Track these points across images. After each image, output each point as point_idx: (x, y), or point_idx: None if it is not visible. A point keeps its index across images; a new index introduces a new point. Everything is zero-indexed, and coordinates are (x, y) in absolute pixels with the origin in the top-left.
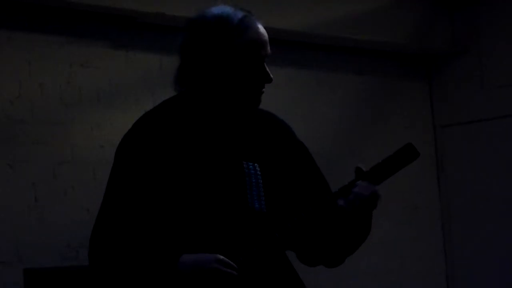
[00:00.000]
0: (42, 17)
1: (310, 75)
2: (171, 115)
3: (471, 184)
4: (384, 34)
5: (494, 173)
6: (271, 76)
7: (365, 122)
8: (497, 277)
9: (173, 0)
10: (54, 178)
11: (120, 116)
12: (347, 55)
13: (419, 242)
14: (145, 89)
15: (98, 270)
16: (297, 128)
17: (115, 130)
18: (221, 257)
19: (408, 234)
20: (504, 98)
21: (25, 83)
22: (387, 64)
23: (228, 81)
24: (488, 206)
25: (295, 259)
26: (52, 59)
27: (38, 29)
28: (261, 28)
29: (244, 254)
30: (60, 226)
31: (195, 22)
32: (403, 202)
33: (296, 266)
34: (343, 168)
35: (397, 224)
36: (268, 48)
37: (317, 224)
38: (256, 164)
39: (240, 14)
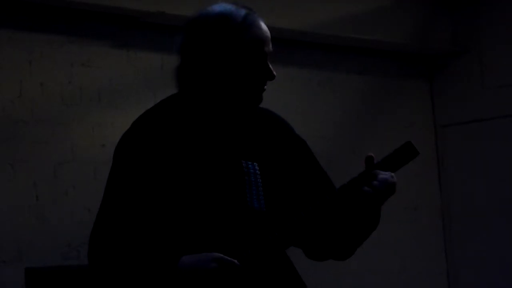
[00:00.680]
0: (43, 16)
1: (311, 74)
2: (170, 114)
3: (471, 183)
4: (385, 33)
5: (495, 173)
6: (274, 73)
7: (366, 122)
8: (498, 277)
9: None
10: (55, 178)
11: (121, 116)
12: (348, 55)
13: (419, 242)
14: (146, 89)
15: (97, 270)
16: (297, 127)
17: (116, 130)
18: (219, 255)
19: (409, 234)
20: (505, 98)
21: (26, 82)
22: (388, 64)
23: (232, 78)
24: (489, 206)
25: (296, 258)
26: (53, 59)
27: (39, 29)
28: (264, 26)
29: (247, 250)
30: (61, 225)
31: (197, 21)
32: (403, 202)
33: (296, 266)
34: (344, 167)
35: (398, 224)
36: (271, 45)
37: (318, 222)
38: (255, 163)
39: (242, 12)
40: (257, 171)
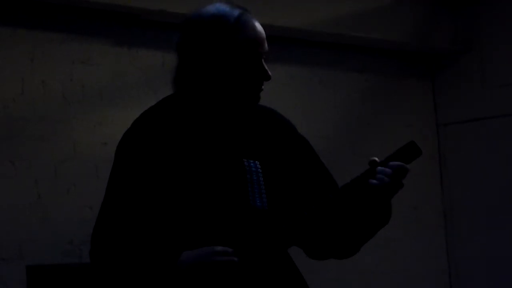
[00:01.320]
0: (45, 14)
1: (311, 73)
2: (171, 112)
3: (473, 182)
4: (386, 32)
5: (497, 172)
6: (270, 73)
7: (367, 121)
8: (500, 276)
9: None
10: (57, 176)
11: (123, 114)
12: (349, 53)
13: (421, 241)
14: (148, 87)
15: (99, 268)
16: (298, 126)
17: (118, 128)
18: (219, 248)
19: (411, 233)
20: (507, 97)
21: (27, 80)
22: (389, 63)
23: (226, 79)
24: (491, 205)
25: (297, 257)
26: (54, 56)
27: (41, 26)
28: (258, 26)
29: (250, 249)
30: (63, 223)
31: (191, 21)
32: (405, 201)
33: (298, 265)
34: (345, 166)
35: (399, 223)
36: (266, 45)
37: (321, 221)
38: (257, 162)
39: (236, 12)
40: (259, 169)
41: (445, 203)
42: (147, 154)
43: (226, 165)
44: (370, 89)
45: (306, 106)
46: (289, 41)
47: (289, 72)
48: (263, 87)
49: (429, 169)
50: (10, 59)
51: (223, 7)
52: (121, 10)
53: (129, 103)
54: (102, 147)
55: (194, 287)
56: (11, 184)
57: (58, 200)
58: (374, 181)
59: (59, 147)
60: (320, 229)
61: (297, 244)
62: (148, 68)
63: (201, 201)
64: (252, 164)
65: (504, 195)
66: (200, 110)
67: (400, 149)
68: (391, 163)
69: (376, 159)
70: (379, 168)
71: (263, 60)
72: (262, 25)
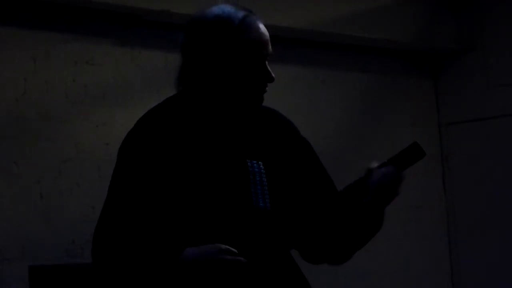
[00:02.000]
0: (47, 14)
1: (314, 73)
2: (174, 113)
3: (476, 182)
4: (389, 32)
5: (500, 172)
6: (273, 75)
7: (370, 121)
8: (503, 276)
9: None
10: (59, 176)
11: (125, 114)
12: (352, 53)
13: (424, 241)
14: (150, 87)
15: (101, 267)
16: (300, 127)
17: (120, 128)
18: (224, 246)
19: (413, 233)
20: (510, 96)
21: (30, 80)
22: (392, 62)
23: (230, 81)
24: (494, 205)
25: (299, 258)
26: (57, 57)
27: (43, 27)
28: (262, 28)
29: (249, 251)
30: (65, 223)
31: (196, 22)
32: (407, 201)
33: (300, 265)
34: (347, 166)
35: (402, 223)
36: (270, 47)
37: (323, 222)
38: (260, 162)
39: (240, 14)
40: (262, 170)
41: (447, 202)
42: (151, 154)
43: (229, 166)
44: (372, 89)
45: (308, 106)
46: (292, 41)
47: (291, 73)
48: (266, 89)
49: (432, 168)
50: (13, 59)
51: (228, 9)
52: (124, 10)
53: (132, 103)
54: (105, 147)
55: (197, 283)
56: (14, 184)
57: (61, 200)
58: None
59: (61, 147)
60: (320, 231)
61: (297, 246)
62: (150, 69)
63: (204, 201)
64: (255, 164)
65: (507, 195)
66: (203, 110)
67: (403, 150)
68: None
69: (376, 165)
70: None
71: (266, 62)
72: (264, 25)
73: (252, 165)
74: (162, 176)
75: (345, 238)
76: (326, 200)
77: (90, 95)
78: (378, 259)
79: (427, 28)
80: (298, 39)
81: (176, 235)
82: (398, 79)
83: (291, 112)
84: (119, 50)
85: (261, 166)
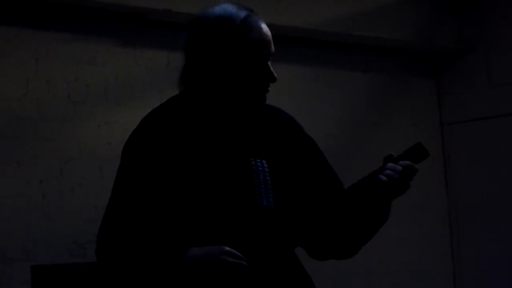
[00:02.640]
0: (49, 14)
1: (316, 72)
2: (178, 112)
3: (478, 182)
4: (391, 31)
5: (502, 171)
6: (275, 75)
7: (372, 120)
8: (505, 276)
9: None
10: (61, 175)
11: (127, 114)
12: (354, 53)
13: (426, 241)
14: (153, 87)
15: (105, 267)
16: (303, 125)
17: (122, 128)
18: (228, 248)
19: (415, 233)
20: (511, 96)
21: (32, 80)
22: (394, 62)
23: (232, 81)
24: (496, 204)
25: (303, 256)
26: (59, 56)
27: (45, 27)
28: (264, 27)
29: (253, 250)
30: (67, 223)
31: (198, 22)
32: (410, 201)
33: (304, 264)
34: (350, 165)
35: (404, 223)
36: (272, 47)
37: (327, 221)
38: (264, 161)
39: (242, 14)
40: (266, 169)
41: (449, 201)
42: (154, 153)
43: (233, 165)
44: (374, 88)
45: (311, 105)
46: (294, 40)
47: (293, 72)
48: (269, 88)
49: (434, 168)
50: (15, 59)
51: (230, 8)
52: (126, 10)
53: (133, 103)
54: (107, 147)
55: (200, 283)
56: (16, 184)
57: (63, 199)
58: (384, 177)
59: (63, 147)
60: (325, 229)
61: (302, 244)
62: (153, 68)
63: (208, 200)
64: (259, 163)
65: (509, 194)
66: (207, 109)
67: (407, 150)
68: (402, 162)
69: (393, 154)
70: (389, 164)
71: (269, 62)
72: (266, 24)
73: (256, 163)
74: (166, 176)
75: (352, 233)
76: (330, 199)
77: (92, 94)
78: (381, 259)
79: (429, 28)
80: (300, 38)
81: (180, 234)
82: (400, 78)
83: (293, 111)
84: (121, 49)
85: (265, 164)
